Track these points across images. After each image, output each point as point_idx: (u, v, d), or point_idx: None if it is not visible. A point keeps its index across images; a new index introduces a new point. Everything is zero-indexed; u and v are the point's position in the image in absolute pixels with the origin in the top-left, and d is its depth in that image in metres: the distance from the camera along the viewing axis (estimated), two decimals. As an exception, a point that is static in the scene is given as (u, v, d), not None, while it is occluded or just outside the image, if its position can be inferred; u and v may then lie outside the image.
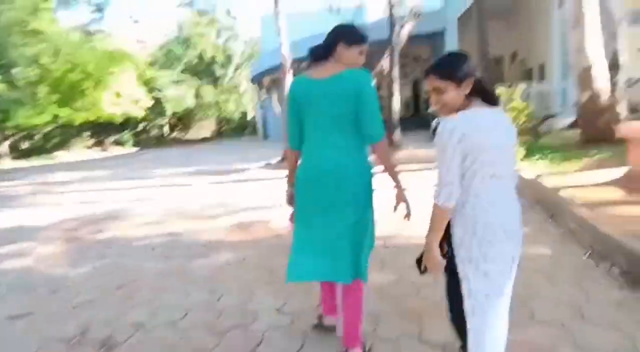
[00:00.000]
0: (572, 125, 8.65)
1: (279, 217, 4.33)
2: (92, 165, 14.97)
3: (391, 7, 8.96)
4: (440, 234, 1.29)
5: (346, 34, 1.69)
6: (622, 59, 7.79)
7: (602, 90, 6.34)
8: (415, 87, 20.02)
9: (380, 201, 1.86)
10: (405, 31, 9.55)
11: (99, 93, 19.69)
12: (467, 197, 1.25)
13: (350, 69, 1.63)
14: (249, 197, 5.89)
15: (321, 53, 1.69)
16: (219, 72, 30.03)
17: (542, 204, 4.05)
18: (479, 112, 1.26)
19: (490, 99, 1.31)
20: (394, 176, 1.73)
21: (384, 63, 9.37)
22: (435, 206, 1.27)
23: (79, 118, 20.19)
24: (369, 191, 1.73)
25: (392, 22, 9.03)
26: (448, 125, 1.21)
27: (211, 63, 28.94)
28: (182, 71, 28.13)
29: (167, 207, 5.64)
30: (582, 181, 4.48)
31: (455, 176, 1.22)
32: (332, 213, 1.66)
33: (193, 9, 26.76)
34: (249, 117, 39.46)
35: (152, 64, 26.75)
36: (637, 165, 4.20)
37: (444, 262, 1.32)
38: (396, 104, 9.21)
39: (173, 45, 27.87)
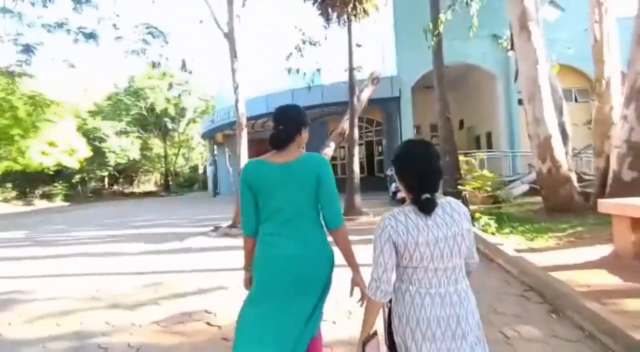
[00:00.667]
0: (528, 193, 8.79)
1: (226, 307, 3.39)
2: (3, 223, 12.81)
3: (351, 71, 8.97)
4: (370, 326, 1.32)
5: (305, 119, 1.73)
6: (568, 130, 8.22)
7: (561, 160, 6.41)
8: (369, 147, 20.39)
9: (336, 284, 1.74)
10: (365, 95, 9.56)
11: (27, 141, 17.77)
12: (407, 285, 1.30)
13: (309, 154, 1.68)
14: (190, 276, 4.84)
15: (285, 141, 1.66)
16: (169, 125, 29.01)
17: (536, 290, 3.53)
18: (409, 210, 1.28)
19: (421, 205, 1.27)
20: (352, 260, 1.70)
21: (344, 125, 9.16)
22: (367, 299, 1.32)
23: (0, 167, 17.90)
24: (329, 280, 1.70)
25: (351, 85, 9.00)
26: (381, 223, 1.29)
27: (162, 116, 27.98)
28: (130, 122, 26.82)
29: (81, 287, 4.41)
30: (567, 260, 4.10)
31: (384, 272, 1.27)
32: (290, 301, 1.61)
33: (145, 58, 26.37)
34: (199, 172, 38.23)
35: (96, 114, 25.21)
36: (622, 245, 3.92)
37: None
38: (356, 166, 8.86)
39: (122, 95, 26.76)
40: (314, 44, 11.00)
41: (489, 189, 6.64)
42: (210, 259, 5.58)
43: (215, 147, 22.88)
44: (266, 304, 1.61)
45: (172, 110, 27.88)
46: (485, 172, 6.31)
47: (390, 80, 13.62)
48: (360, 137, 17.61)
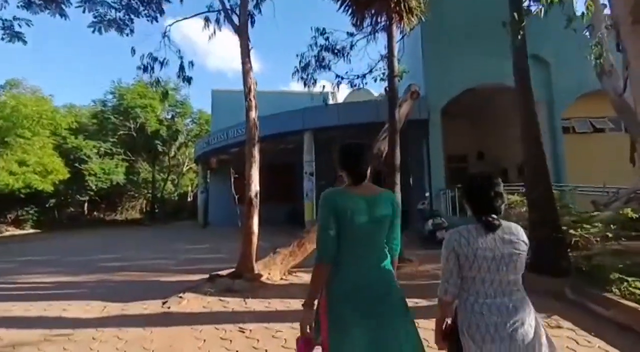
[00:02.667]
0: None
1: None
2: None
3: (392, 78, 7.19)
4: (441, 322, 1.63)
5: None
6: None
7: None
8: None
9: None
10: (404, 111, 7.75)
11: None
12: (467, 295, 1.55)
13: (385, 190, 1.84)
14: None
15: (365, 175, 1.79)
16: (160, 148, 26.87)
17: None
18: (472, 227, 1.57)
19: (487, 224, 1.55)
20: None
21: (382, 145, 7.24)
22: (439, 299, 1.61)
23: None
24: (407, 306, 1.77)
25: (393, 97, 7.19)
26: (448, 236, 1.59)
27: (152, 138, 25.89)
28: (116, 143, 24.65)
29: None
30: None
31: (450, 276, 1.55)
32: (385, 320, 1.65)
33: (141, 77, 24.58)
34: (187, 200, 35.70)
35: (78, 132, 22.96)
36: None
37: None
38: (398, 196, 6.88)
39: (109, 114, 24.70)
40: (338, 53, 9.31)
41: (610, 234, 4.71)
42: (212, 346, 3.38)
43: (208, 173, 20.75)
44: (360, 331, 1.60)
45: (164, 132, 25.82)
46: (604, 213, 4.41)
47: (420, 102, 11.93)
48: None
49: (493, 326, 1.43)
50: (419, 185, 12.90)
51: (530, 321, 1.48)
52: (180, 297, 4.78)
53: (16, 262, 9.03)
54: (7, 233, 21.67)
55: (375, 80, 8.43)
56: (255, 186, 6.12)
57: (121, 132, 24.70)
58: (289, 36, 68.99)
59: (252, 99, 6.58)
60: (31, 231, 22.86)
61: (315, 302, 1.69)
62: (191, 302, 4.65)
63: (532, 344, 1.45)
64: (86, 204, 30.24)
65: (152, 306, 4.64)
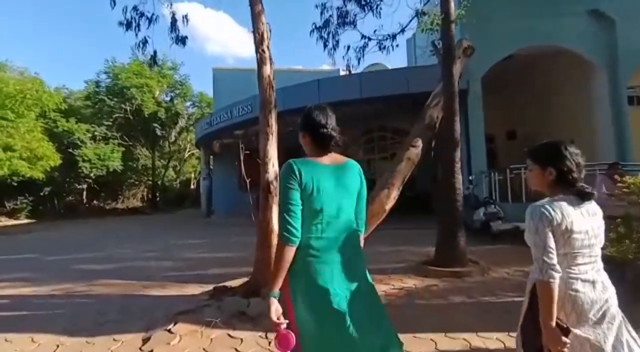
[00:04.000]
0: None
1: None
2: None
3: (449, 23, 5.43)
4: (551, 311, 1.37)
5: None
6: None
7: None
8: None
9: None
10: (457, 71, 6.00)
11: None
12: (562, 271, 1.37)
13: (350, 159, 1.63)
14: None
15: (330, 140, 1.57)
16: (159, 132, 25.17)
17: None
18: (559, 200, 1.43)
19: (583, 193, 1.44)
20: None
21: (434, 112, 5.54)
22: (540, 283, 1.37)
23: None
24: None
25: (449, 45, 5.46)
26: (536, 212, 1.41)
27: (150, 121, 24.17)
28: (111, 127, 22.97)
29: None
30: None
31: (551, 254, 1.36)
32: (363, 301, 1.50)
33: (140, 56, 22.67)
34: (190, 187, 34.23)
35: (70, 115, 21.21)
36: None
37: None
38: (459, 182, 5.25)
39: (103, 94, 22.92)
40: (366, 6, 7.54)
41: None
42: None
43: (211, 158, 19.13)
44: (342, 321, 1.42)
45: (162, 114, 24.07)
46: None
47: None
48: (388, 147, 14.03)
49: (590, 304, 1.38)
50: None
51: (615, 298, 1.45)
52: (169, 330, 3.21)
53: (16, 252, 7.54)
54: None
55: (423, 31, 6.65)
56: (273, 167, 4.48)
57: (117, 115, 23.00)
58: (296, 15, 66.32)
59: (265, 49, 4.85)
60: (25, 221, 21.52)
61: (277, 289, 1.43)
62: (185, 341, 3.06)
63: (620, 322, 1.42)
64: (84, 193, 28.88)
65: (126, 344, 3.07)
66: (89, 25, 58.83)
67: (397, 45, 8.00)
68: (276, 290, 1.42)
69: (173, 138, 27.04)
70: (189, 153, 30.90)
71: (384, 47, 8.10)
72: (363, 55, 8.36)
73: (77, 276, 5.73)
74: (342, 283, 1.45)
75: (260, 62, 4.80)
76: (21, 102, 14.75)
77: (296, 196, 1.42)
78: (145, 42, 6.74)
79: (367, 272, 1.57)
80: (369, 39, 8.05)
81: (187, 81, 26.13)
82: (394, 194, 4.74)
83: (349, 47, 8.13)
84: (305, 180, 1.43)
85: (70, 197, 29.29)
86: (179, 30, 6.67)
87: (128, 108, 22.56)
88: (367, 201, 1.68)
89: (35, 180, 18.13)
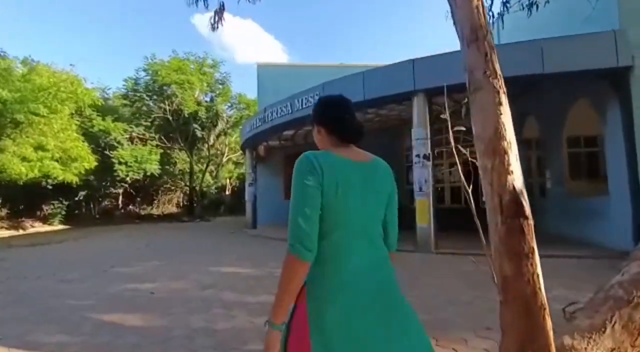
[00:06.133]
0: None
1: None
2: None
3: None
4: None
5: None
6: None
7: None
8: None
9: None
10: None
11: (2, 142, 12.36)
12: None
13: (377, 157, 1.31)
14: None
15: (358, 131, 1.28)
16: (199, 133, 23.49)
17: None
18: None
19: None
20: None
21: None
22: None
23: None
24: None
25: None
26: None
27: (189, 122, 22.50)
28: (149, 128, 21.46)
29: None
30: None
31: None
32: (397, 323, 1.16)
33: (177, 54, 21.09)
34: (226, 193, 32.59)
35: (106, 113, 19.75)
36: None
37: None
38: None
39: (142, 92, 21.43)
40: None
41: None
42: None
43: (255, 163, 17.07)
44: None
45: (203, 114, 22.32)
46: None
47: (613, 36, 7.31)
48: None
49: None
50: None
51: None
52: None
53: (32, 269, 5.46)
54: (31, 230, 19.09)
55: None
56: (516, 173, 1.96)
57: (155, 115, 21.45)
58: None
59: None
60: (59, 227, 20.26)
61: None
62: None
63: None
64: (120, 197, 27.72)
65: None
66: (124, 20, 59.45)
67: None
68: (280, 321, 1.08)
69: (212, 141, 25.32)
70: (227, 158, 29.24)
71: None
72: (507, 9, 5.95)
73: (85, 314, 3.45)
74: (374, 319, 1.10)
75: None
76: (55, 95, 13.18)
77: (316, 197, 1.10)
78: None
79: (404, 299, 1.21)
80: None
81: (227, 80, 24.40)
82: None
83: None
84: (327, 179, 1.11)
85: (105, 202, 28.27)
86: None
87: (167, 107, 20.94)
88: None
89: (70, 183, 16.73)
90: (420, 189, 8.19)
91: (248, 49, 76.57)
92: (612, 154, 7.74)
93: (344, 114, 1.24)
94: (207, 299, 4.55)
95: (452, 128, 2.18)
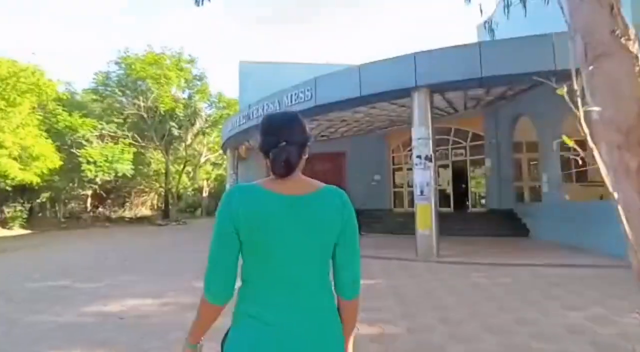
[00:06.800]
0: None
1: None
2: None
3: None
4: None
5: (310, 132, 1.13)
6: None
7: None
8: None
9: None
10: None
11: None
12: None
13: (328, 186, 1.10)
14: None
15: (296, 164, 1.05)
16: (175, 132, 22.23)
17: None
18: None
19: None
20: (350, 338, 1.14)
21: None
22: None
23: None
24: None
25: None
26: None
27: (166, 120, 21.24)
28: (122, 125, 20.06)
29: None
30: None
31: None
32: None
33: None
34: (203, 195, 31.29)
35: (72, 109, 18.25)
36: None
37: None
38: None
39: (113, 87, 20.02)
40: None
41: None
42: None
43: (237, 163, 16.16)
44: None
45: (180, 112, 21.11)
46: None
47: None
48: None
49: None
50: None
51: None
52: None
53: None
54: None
55: None
56: None
57: (128, 111, 20.08)
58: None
59: None
60: (19, 231, 18.59)
61: None
62: None
63: None
64: (89, 199, 26.01)
65: None
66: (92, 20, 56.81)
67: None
68: (195, 341, 1.08)
69: (189, 140, 24.10)
70: (205, 158, 28.02)
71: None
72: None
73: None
74: None
75: None
76: (13, 86, 11.82)
77: (227, 238, 1.00)
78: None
79: None
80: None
81: (205, 76, 23.28)
82: None
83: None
84: (243, 215, 0.99)
85: (72, 204, 26.48)
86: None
87: (142, 104, 19.63)
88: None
89: (30, 184, 15.24)
90: (422, 193, 7.58)
91: (226, 47, 74.78)
92: None
93: (275, 144, 1.02)
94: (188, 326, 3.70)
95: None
